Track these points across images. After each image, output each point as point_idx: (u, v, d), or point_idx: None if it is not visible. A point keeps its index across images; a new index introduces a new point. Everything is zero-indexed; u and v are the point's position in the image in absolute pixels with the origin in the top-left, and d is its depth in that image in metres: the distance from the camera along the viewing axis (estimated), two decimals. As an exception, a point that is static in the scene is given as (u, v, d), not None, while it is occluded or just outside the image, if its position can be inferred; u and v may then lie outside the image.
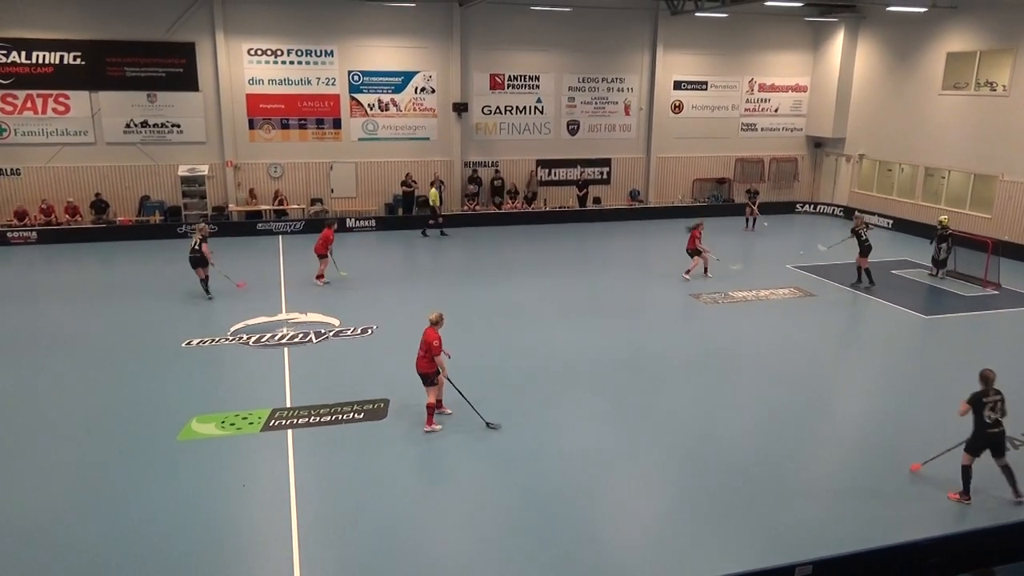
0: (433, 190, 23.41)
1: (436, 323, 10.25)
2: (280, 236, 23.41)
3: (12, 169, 22.68)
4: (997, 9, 21.97)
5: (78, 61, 22.47)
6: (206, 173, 23.92)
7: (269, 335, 14.22)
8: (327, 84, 24.57)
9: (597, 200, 27.74)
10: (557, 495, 8.87)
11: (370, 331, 14.50)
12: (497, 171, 26.81)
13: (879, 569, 7.10)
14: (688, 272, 18.23)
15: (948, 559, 7.24)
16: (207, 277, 16.53)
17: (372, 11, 24.23)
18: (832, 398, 12.05)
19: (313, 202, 25.13)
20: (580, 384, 12.18)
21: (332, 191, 25.43)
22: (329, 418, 10.75)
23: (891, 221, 25.36)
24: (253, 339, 13.98)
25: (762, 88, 28.61)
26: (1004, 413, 8.61)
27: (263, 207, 24.45)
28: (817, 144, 29.64)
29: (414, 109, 25.51)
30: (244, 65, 23.78)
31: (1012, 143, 21.85)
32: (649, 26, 26.81)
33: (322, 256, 17.60)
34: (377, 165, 25.63)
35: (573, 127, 27.22)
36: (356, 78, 24.78)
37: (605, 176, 27.99)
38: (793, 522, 8.40)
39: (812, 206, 28.85)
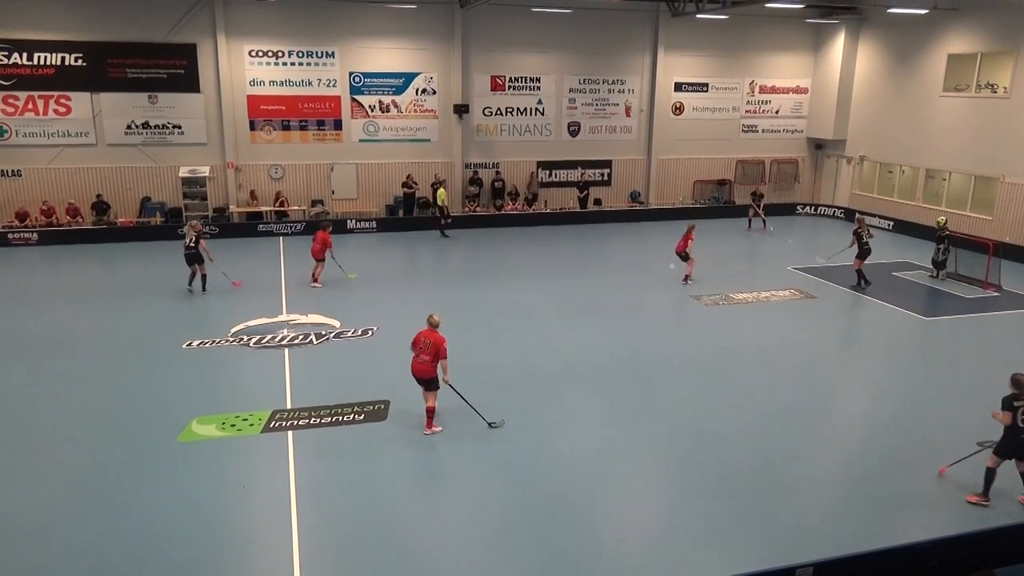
0: (442, 190, 23.59)
1: (437, 325, 10.24)
2: (281, 237, 23.42)
3: (13, 170, 22.69)
4: (998, 11, 21.96)
5: (79, 62, 22.50)
6: (207, 174, 23.93)
7: (270, 336, 14.22)
8: (328, 85, 24.59)
9: (598, 202, 27.74)
10: (557, 496, 8.87)
11: (371, 332, 14.50)
12: (498, 172, 26.82)
13: (879, 571, 7.09)
14: (687, 277, 18.12)
15: (948, 561, 7.23)
16: (206, 274, 16.69)
17: (373, 13, 24.26)
18: (832, 399, 12.04)
19: (314, 203, 25.14)
20: (580, 385, 12.18)
21: (333, 192, 25.44)
22: (330, 420, 10.75)
23: (892, 223, 25.35)
24: (254, 340, 13.99)
25: (763, 90, 28.61)
26: None
27: (264, 208, 24.46)
28: (818, 146, 29.64)
29: (415, 111, 25.53)
30: (245, 66, 23.80)
31: (1013, 145, 21.83)
32: (650, 28, 26.82)
33: (320, 260, 17.61)
34: (378, 167, 25.65)
35: (574, 129, 27.23)
36: (357, 79, 24.80)
37: (606, 178, 27.99)
38: (793, 523, 8.40)
39: (813, 208, 28.85)
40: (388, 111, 25.30)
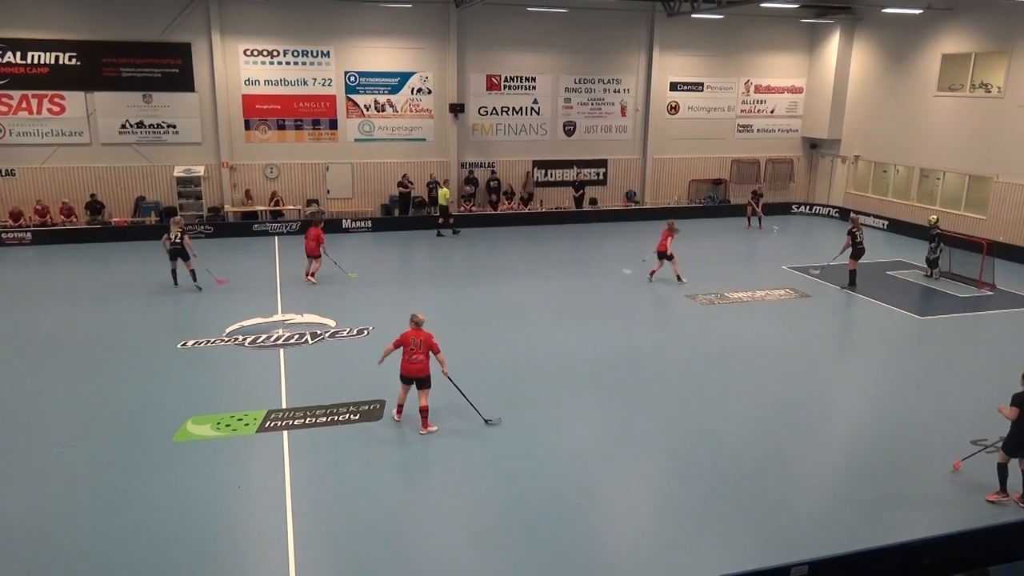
0: (444, 189, 23.58)
1: (422, 323, 10.25)
2: (276, 237, 23.37)
3: (7, 170, 22.61)
4: (992, 11, 22.04)
5: (73, 61, 22.42)
6: (202, 174, 23.88)
7: (265, 336, 14.19)
8: (323, 85, 24.55)
9: (593, 201, 27.76)
10: (554, 495, 8.87)
11: (366, 332, 14.49)
12: (493, 172, 26.82)
13: (874, 569, 7.12)
14: (679, 277, 18.11)
15: (942, 560, 7.26)
16: (193, 269, 16.80)
17: (368, 12, 24.23)
18: (827, 398, 12.06)
19: (309, 203, 25.09)
20: (577, 384, 12.19)
21: (328, 192, 25.41)
22: (325, 419, 10.74)
23: (886, 222, 25.42)
24: (249, 340, 13.96)
25: (758, 89, 28.67)
26: None
27: (259, 208, 24.42)
28: (813, 145, 29.71)
29: (410, 110, 25.51)
30: (240, 66, 23.75)
31: (1007, 144, 21.92)
32: (645, 27, 26.85)
33: (316, 257, 17.59)
34: (373, 166, 25.62)
35: (569, 128, 27.25)
36: (352, 79, 24.76)
37: (601, 177, 28.01)
38: (789, 522, 8.42)
39: (808, 207, 28.91)
40: (383, 110, 25.27)
